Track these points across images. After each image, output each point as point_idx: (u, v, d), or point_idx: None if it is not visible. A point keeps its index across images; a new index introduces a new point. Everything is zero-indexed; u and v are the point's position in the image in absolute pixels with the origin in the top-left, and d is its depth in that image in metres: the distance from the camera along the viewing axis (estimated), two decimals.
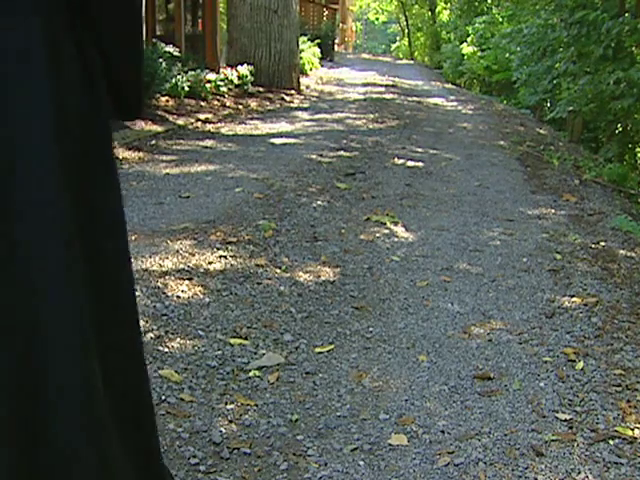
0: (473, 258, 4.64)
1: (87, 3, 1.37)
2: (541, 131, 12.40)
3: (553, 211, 6.00)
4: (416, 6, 44.69)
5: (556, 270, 4.50)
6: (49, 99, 1.30)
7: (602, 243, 5.17)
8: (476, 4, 31.59)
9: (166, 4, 18.10)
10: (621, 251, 5.05)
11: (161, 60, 10.54)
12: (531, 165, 8.22)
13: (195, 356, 3.15)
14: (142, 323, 3.45)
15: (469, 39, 26.93)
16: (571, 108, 12.80)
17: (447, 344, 3.43)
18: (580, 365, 3.26)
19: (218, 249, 4.40)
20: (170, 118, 9.87)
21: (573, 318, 3.78)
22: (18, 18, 1.26)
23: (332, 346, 3.35)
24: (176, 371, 3.01)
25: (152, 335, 3.32)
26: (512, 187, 6.84)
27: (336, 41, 28.92)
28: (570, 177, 7.77)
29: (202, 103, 11.72)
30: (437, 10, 40.60)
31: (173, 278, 3.91)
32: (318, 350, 3.30)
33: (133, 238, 4.71)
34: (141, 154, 7.62)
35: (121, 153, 7.43)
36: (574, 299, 4.03)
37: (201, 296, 3.73)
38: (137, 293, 3.74)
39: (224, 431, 2.62)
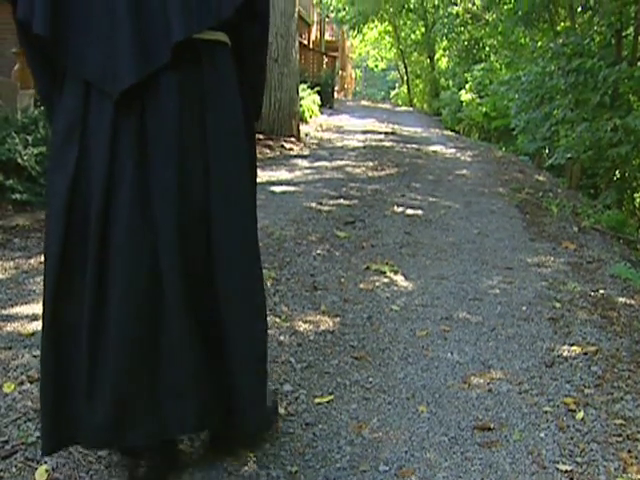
0: (473, 307, 4.65)
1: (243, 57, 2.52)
2: (540, 178, 12.46)
3: (552, 259, 6.02)
4: (415, 53, 45.05)
5: (556, 319, 4.51)
6: (241, 110, 2.46)
7: (601, 291, 5.18)
8: (474, 52, 31.86)
9: None
10: (620, 299, 5.06)
11: None
12: (530, 212, 8.26)
13: None
14: None
15: (467, 86, 27.12)
16: (569, 155, 12.87)
17: (447, 394, 3.43)
18: (580, 415, 3.26)
19: None
20: None
21: (573, 367, 3.78)
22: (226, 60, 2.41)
23: (332, 397, 3.35)
24: None
25: None
26: (511, 235, 6.86)
27: (336, 88, 29.16)
28: (569, 224, 7.80)
29: None
30: (436, 57, 40.92)
31: None
32: (318, 401, 3.30)
33: None
34: None
35: None
36: (574, 348, 4.04)
37: None
38: None
39: None
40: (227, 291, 2.37)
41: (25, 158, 6.57)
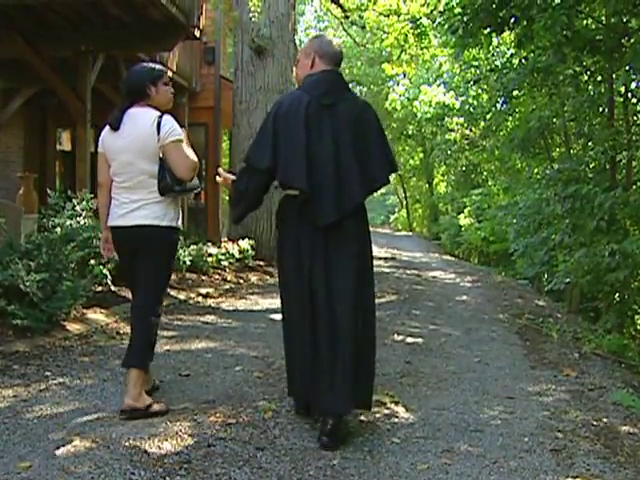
0: (474, 439, 4.60)
1: None
2: (539, 302, 12.50)
3: (553, 387, 5.99)
4: (414, 178, 45.87)
5: (558, 450, 4.45)
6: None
7: (604, 419, 5.14)
8: (472, 176, 32.40)
9: None
10: (623, 427, 5.01)
11: None
12: (530, 339, 8.26)
13: None
14: None
15: (466, 211, 27.49)
16: (568, 280, 12.94)
17: None
18: None
19: (217, 431, 4.39)
20: (171, 292, 9.98)
21: None
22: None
23: None
24: None
25: None
26: (512, 363, 6.86)
27: None
28: (570, 350, 7.80)
29: (203, 277, 11.88)
30: (434, 182, 41.59)
31: (171, 462, 3.88)
32: None
33: None
34: None
35: (122, 328, 7.49)
36: None
37: None
38: (135, 478, 3.71)
39: None
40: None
41: (27, 284, 6.62)
